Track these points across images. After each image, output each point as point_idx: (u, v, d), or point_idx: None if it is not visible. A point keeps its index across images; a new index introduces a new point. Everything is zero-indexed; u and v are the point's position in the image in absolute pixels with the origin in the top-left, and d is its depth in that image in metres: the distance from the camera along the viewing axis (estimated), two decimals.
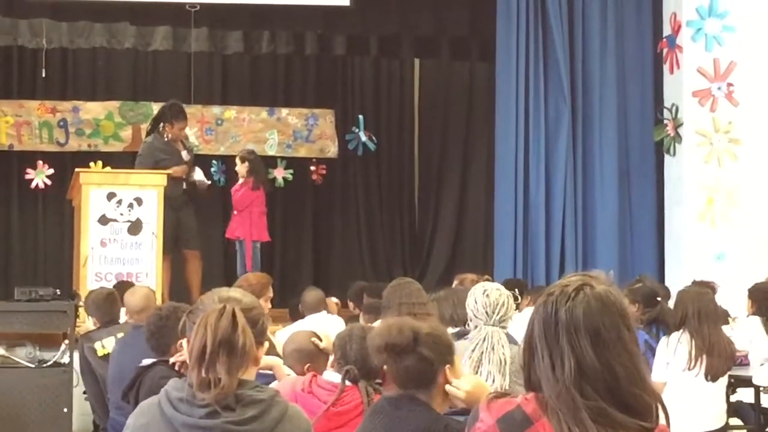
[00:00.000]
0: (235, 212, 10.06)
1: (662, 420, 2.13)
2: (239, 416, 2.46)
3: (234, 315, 2.50)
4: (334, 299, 8.33)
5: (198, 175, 9.79)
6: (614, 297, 2.18)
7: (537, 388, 2.16)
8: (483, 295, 4.51)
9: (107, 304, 6.56)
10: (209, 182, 10.17)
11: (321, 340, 4.45)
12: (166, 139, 9.68)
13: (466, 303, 4.62)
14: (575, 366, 2.08)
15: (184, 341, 4.65)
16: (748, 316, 7.35)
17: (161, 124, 9.78)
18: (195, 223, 9.86)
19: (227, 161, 12.02)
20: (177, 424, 2.48)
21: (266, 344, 2.71)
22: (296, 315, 7.84)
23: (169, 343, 4.66)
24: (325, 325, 6.38)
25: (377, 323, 5.40)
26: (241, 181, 10.10)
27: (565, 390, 2.08)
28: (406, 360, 3.24)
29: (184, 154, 9.69)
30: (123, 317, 6.43)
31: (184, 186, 9.64)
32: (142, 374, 4.56)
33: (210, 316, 2.50)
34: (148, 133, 10.11)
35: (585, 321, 2.12)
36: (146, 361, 4.67)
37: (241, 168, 10.07)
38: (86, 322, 7.50)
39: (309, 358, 4.38)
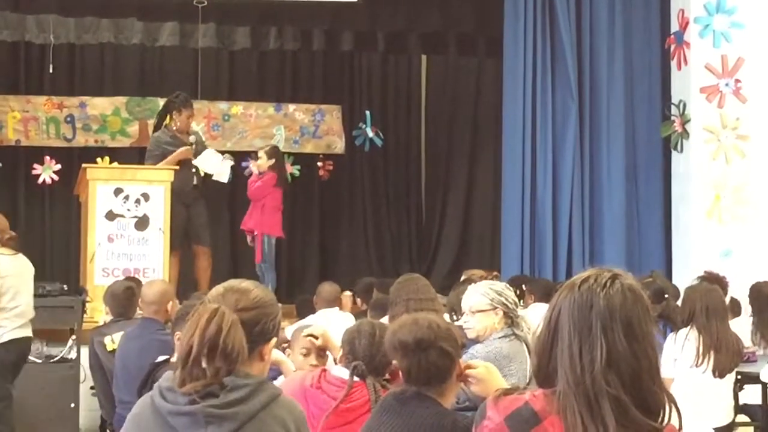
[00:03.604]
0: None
1: (674, 419, 2.14)
2: (222, 400, 2.46)
3: (223, 319, 2.47)
4: (347, 293, 8.28)
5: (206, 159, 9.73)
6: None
7: (550, 380, 2.15)
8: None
9: (123, 297, 6.58)
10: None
11: (317, 338, 4.42)
12: (173, 131, 9.67)
13: (506, 296, 4.79)
14: (605, 354, 2.09)
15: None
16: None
17: (168, 116, 9.77)
18: (206, 219, 9.82)
19: (234, 157, 12.02)
20: (164, 413, 2.48)
21: (274, 340, 2.68)
22: (305, 311, 7.83)
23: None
24: (335, 322, 6.35)
25: (384, 319, 5.41)
26: (256, 172, 10.02)
27: (590, 378, 2.07)
28: (430, 355, 3.24)
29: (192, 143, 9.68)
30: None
31: (195, 181, 9.63)
32: (155, 371, 4.57)
33: (202, 317, 2.48)
34: (155, 129, 10.10)
35: (621, 310, 2.13)
36: (161, 358, 4.68)
37: (264, 163, 9.89)
38: (95, 317, 7.53)
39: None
